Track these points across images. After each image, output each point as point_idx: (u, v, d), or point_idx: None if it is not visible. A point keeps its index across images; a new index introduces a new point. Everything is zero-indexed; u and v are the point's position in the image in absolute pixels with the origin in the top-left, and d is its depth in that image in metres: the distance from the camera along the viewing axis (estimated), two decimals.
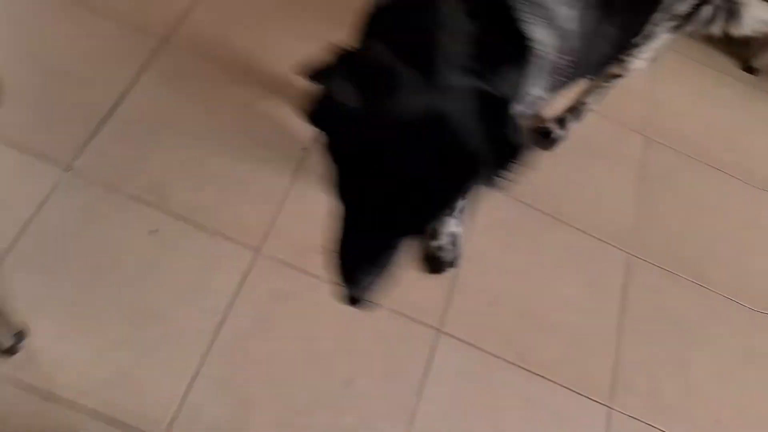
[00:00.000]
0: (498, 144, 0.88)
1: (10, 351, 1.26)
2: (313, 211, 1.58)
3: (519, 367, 1.55)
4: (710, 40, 2.38)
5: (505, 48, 0.95)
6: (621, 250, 1.81)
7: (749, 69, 2.37)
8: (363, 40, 0.99)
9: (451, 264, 1.59)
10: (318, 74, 0.86)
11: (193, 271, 1.46)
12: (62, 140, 1.51)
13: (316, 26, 1.87)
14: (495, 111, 0.88)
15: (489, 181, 0.92)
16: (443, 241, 1.55)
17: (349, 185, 0.94)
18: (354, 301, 1.02)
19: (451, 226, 1.54)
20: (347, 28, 1.04)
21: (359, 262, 0.99)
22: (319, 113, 0.90)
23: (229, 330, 1.41)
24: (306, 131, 1.69)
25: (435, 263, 1.57)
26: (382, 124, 0.86)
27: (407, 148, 0.86)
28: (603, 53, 1.26)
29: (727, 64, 2.39)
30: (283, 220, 1.57)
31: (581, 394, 1.57)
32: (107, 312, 1.37)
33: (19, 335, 1.27)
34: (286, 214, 1.58)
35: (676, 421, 1.59)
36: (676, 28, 1.43)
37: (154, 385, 1.32)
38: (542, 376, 1.56)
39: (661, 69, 2.26)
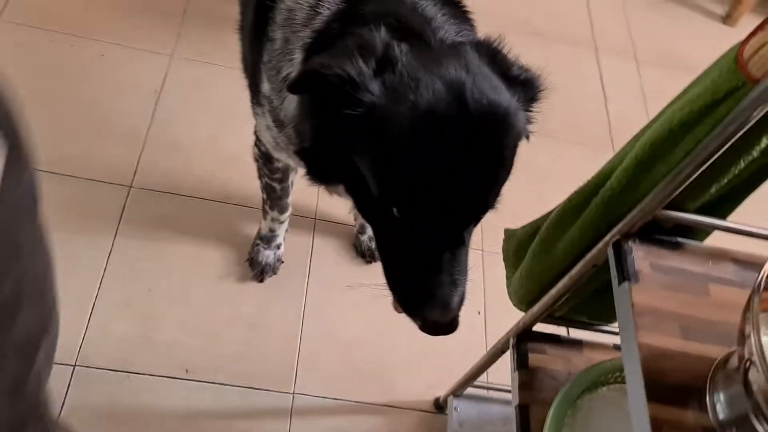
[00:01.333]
0: (516, 84, 0.85)
1: None
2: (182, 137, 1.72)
3: None
4: None
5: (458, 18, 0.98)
6: None
7: None
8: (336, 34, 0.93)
9: None
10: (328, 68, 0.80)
11: (71, 216, 1.55)
12: None
13: None
14: (495, 57, 0.86)
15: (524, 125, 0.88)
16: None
17: (403, 192, 0.81)
18: (450, 327, 0.88)
19: None
20: None
21: (445, 279, 0.84)
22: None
23: (120, 255, 1.51)
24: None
25: (371, 253, 1.64)
26: (410, 107, 0.78)
27: (445, 123, 0.78)
28: None
29: None
30: (149, 152, 1.67)
31: None
32: None
33: None
34: (151, 145, 1.68)
35: None
36: None
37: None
38: None
39: None
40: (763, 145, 0.73)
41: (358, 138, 0.82)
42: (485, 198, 0.83)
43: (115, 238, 1.54)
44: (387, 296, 0.93)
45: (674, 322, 0.83)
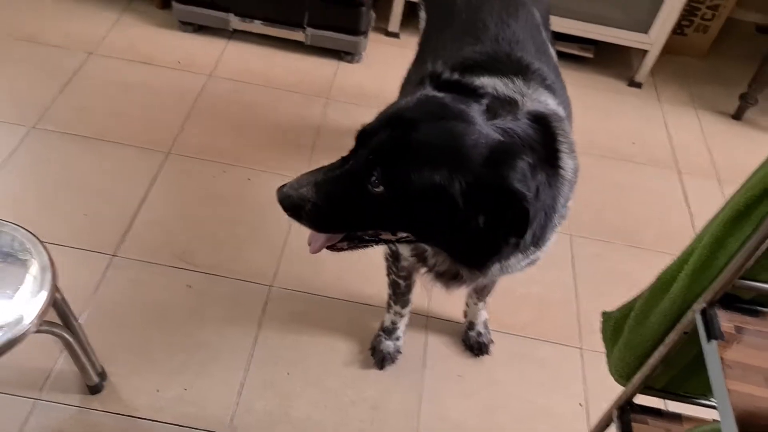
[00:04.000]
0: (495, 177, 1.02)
1: (97, 389, 1.60)
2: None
3: (506, 333, 1.90)
4: (597, 67, 2.94)
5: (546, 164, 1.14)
6: (564, 234, 2.21)
7: (634, 84, 2.90)
8: None
9: (491, 342, 1.87)
10: None
11: (223, 309, 1.83)
12: (107, 235, 1.94)
13: (277, 133, 2.38)
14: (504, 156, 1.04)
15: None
16: (481, 328, 1.85)
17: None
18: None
19: (483, 315, 1.84)
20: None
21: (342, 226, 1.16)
22: None
23: (263, 344, 1.77)
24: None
25: (479, 347, 1.84)
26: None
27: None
28: None
29: (615, 83, 2.92)
30: (286, 258, 1.97)
31: (557, 343, 1.92)
32: (164, 348, 1.72)
33: (102, 375, 1.61)
34: (288, 253, 1.98)
35: None
36: None
37: (212, 394, 1.65)
38: (525, 336, 1.91)
39: None
40: None
41: None
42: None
43: (259, 328, 1.80)
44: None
45: (759, 374, 0.98)
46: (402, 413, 1.69)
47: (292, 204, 1.14)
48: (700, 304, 1.06)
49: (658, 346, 1.16)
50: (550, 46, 1.65)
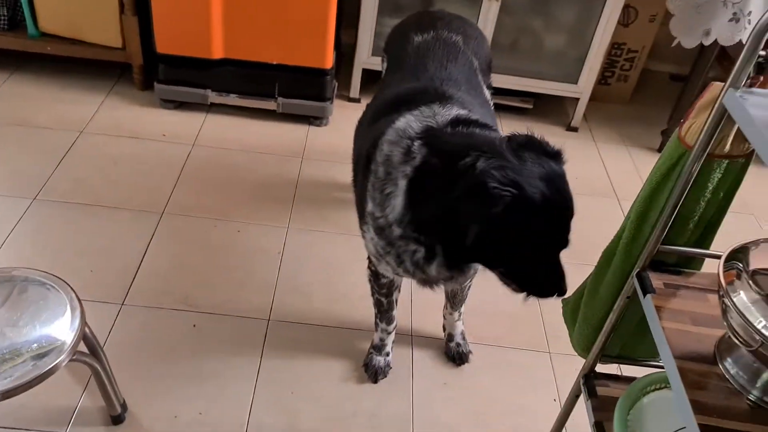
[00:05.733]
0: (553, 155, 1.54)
1: (119, 419, 1.75)
2: (303, 283, 2.23)
3: (483, 344, 2.13)
4: (537, 116, 3.31)
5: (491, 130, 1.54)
6: None
7: (571, 128, 3.28)
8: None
9: (470, 352, 2.10)
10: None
11: (228, 342, 2.02)
12: (114, 287, 2.12)
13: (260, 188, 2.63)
14: (533, 143, 1.50)
15: None
16: (459, 339, 2.09)
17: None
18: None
19: (459, 327, 2.07)
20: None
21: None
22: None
23: (267, 368, 1.95)
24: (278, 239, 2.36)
25: (460, 356, 2.07)
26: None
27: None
28: None
29: (554, 129, 3.29)
30: (279, 294, 2.18)
31: (529, 350, 2.15)
32: (178, 380, 1.89)
33: (124, 406, 1.77)
34: (279, 290, 2.20)
35: None
36: None
37: (225, 416, 1.82)
38: (500, 346, 2.14)
39: None
40: (710, 188, 1.20)
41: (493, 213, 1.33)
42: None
43: (262, 356, 1.99)
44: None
45: (686, 316, 1.24)
46: (398, 419, 1.88)
47: None
48: (635, 271, 1.32)
49: (609, 315, 1.42)
50: (485, 88, 1.97)
